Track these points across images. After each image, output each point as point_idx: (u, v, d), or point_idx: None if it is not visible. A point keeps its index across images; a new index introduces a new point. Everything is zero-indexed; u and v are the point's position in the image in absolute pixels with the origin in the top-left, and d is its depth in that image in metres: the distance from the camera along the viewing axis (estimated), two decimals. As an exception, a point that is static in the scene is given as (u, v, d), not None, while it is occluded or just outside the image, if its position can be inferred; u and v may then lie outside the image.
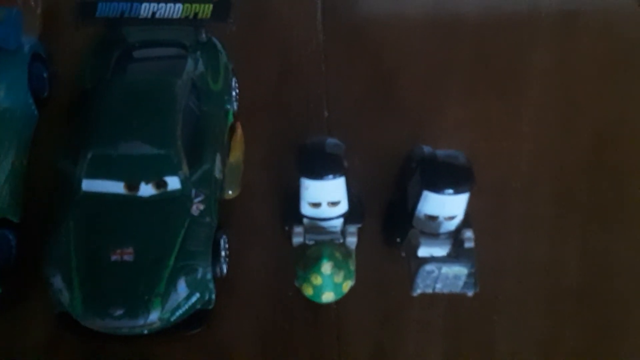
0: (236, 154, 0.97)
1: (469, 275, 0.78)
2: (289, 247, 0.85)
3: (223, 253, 0.86)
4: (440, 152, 0.82)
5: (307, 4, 1.19)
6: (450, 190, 0.77)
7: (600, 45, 1.14)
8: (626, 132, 1.03)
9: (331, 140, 0.82)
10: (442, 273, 0.76)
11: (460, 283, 0.78)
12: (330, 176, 0.78)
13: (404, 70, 1.11)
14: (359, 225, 0.86)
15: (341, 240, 0.85)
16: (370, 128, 1.04)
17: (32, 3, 1.12)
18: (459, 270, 0.76)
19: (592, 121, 1.04)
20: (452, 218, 0.81)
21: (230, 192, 0.93)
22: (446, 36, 1.15)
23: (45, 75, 1.05)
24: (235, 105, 1.02)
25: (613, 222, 0.93)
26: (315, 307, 0.84)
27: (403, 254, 0.85)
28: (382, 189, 0.95)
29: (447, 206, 0.79)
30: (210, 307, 0.83)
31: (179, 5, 0.96)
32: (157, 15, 0.96)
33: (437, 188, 0.77)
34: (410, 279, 0.82)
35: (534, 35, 1.15)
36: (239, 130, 0.99)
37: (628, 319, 0.85)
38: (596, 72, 1.10)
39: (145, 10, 0.96)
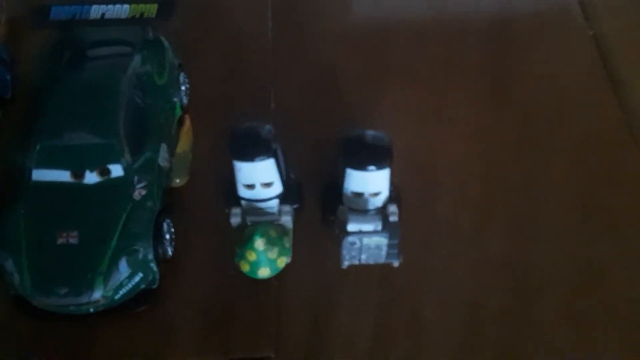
0: (184, 144, 1.03)
1: (392, 246, 0.83)
2: (231, 229, 0.91)
3: (167, 236, 0.91)
4: (368, 133, 0.87)
5: (257, 1, 1.25)
6: (371, 167, 0.82)
7: (533, 34, 1.19)
8: (553, 114, 1.08)
9: (261, 126, 0.87)
10: (364, 244, 0.81)
11: (383, 253, 0.83)
12: (260, 157, 0.84)
13: (348, 63, 1.17)
14: (295, 206, 0.92)
15: (279, 221, 0.90)
16: (314, 117, 1.09)
17: (-4, 9, 1.19)
18: (379, 241, 0.81)
19: (518, 103, 1.10)
20: (376, 194, 0.86)
21: (177, 180, 0.99)
22: (388, 31, 1.21)
23: (8, 77, 1.11)
24: (185, 99, 1.08)
25: (536, 194, 0.98)
26: (256, 283, 0.89)
27: (336, 231, 0.90)
28: (323, 173, 1.00)
29: (370, 182, 0.84)
30: (155, 286, 0.88)
31: (126, 6, 1.03)
32: (106, 16, 1.02)
33: (358, 165, 0.82)
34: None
35: (471, 27, 1.21)
36: (187, 122, 1.05)
37: (547, 286, 0.90)
38: (527, 57, 1.15)
39: (95, 12, 1.03)
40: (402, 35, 1.19)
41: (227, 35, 1.20)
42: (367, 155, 0.82)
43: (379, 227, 0.87)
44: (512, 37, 1.19)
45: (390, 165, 0.83)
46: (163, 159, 0.94)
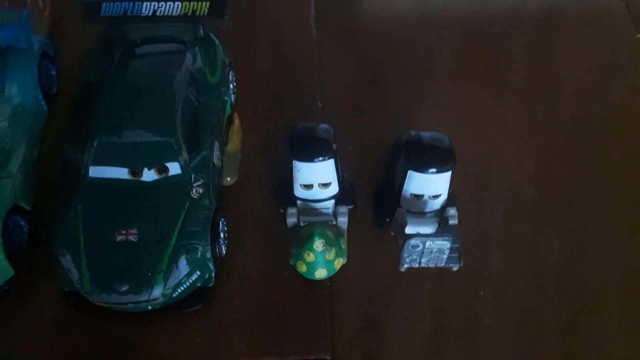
0: (234, 143, 1.02)
1: (453, 249, 0.83)
2: (285, 229, 0.90)
3: (222, 235, 0.91)
4: (425, 134, 0.87)
5: (301, 0, 1.25)
6: (434, 169, 0.82)
7: (581, 37, 1.18)
8: (605, 116, 1.07)
9: (322, 126, 0.87)
10: (426, 247, 0.81)
11: (445, 257, 0.83)
12: (320, 158, 0.83)
13: (394, 62, 1.16)
14: (350, 207, 0.91)
15: (333, 222, 0.90)
16: (362, 117, 1.09)
17: (41, 4, 1.18)
18: (442, 244, 0.80)
19: (572, 107, 1.09)
20: (436, 197, 0.85)
21: (229, 179, 0.98)
22: (434, 29, 1.20)
23: (53, 72, 1.11)
24: (232, 97, 1.07)
25: (592, 202, 0.97)
26: (309, 285, 0.89)
27: (392, 233, 0.90)
28: (373, 174, 0.99)
29: (431, 185, 0.84)
30: (210, 285, 0.88)
31: (178, 3, 1.02)
32: (157, 13, 1.01)
33: (422, 167, 0.82)
34: (398, 257, 0.86)
35: (518, 28, 1.20)
36: (237, 121, 1.04)
37: (604, 293, 0.89)
38: (576, 60, 1.15)
39: (147, 8, 1.02)
40: (449, 32, 1.19)
41: (271, 34, 1.19)
42: (431, 158, 0.82)
43: (437, 230, 0.86)
44: (559, 37, 1.18)
45: (453, 168, 0.82)
46: (216, 157, 0.94)
